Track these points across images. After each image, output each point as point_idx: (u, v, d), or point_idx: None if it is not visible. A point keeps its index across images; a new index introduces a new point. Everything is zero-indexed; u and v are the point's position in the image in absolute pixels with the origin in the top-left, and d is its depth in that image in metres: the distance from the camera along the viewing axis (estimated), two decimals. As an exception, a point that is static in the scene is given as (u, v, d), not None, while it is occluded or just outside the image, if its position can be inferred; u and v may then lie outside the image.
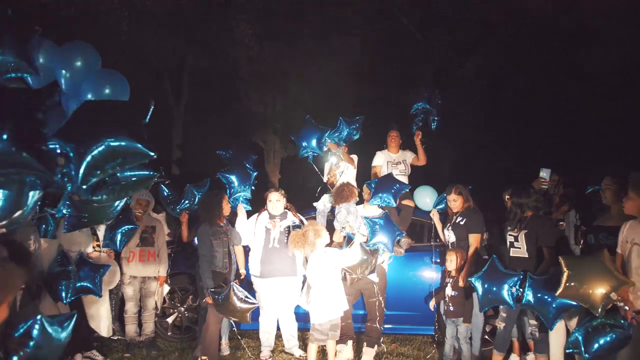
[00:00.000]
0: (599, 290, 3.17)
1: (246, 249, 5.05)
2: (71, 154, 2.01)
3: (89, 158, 1.92)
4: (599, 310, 3.20)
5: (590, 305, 3.23)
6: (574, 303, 3.32)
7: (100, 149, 1.94)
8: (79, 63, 2.99)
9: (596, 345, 3.27)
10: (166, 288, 5.41)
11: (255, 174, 5.13)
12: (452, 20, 13.96)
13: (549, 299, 3.50)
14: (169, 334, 5.49)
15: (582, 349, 3.32)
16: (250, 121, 14.16)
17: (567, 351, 3.67)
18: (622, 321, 3.23)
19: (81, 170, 1.94)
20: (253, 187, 5.11)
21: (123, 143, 1.99)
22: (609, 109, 12.15)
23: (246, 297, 4.31)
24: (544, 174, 4.79)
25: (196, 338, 5.13)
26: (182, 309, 5.57)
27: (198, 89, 13.12)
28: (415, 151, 6.04)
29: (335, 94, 14.72)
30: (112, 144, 1.96)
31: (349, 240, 4.58)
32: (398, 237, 4.73)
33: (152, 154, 2.13)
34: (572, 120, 12.49)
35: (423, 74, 14.63)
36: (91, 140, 1.95)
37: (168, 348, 5.22)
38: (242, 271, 4.96)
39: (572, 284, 3.20)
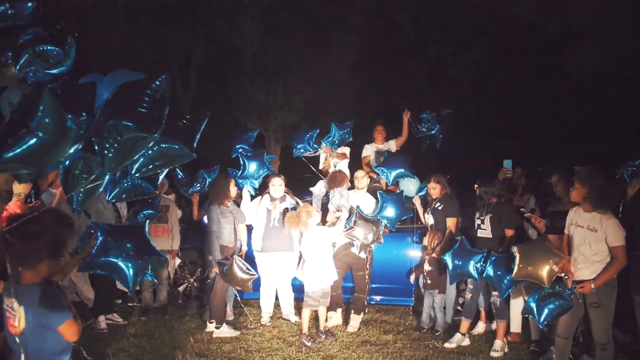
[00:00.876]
0: (545, 266, 3.74)
1: (249, 228, 5.66)
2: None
3: (142, 160, 2.45)
4: (546, 282, 3.80)
5: (539, 280, 3.81)
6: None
7: (153, 150, 2.46)
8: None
9: (546, 312, 3.87)
10: (177, 261, 6.02)
11: (271, 170, 5.75)
12: (444, 21, 14.49)
13: (504, 274, 4.11)
14: (179, 301, 6.08)
15: (536, 315, 3.92)
16: (253, 110, 14.71)
17: (525, 315, 4.29)
18: (567, 292, 3.82)
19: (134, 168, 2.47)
20: (259, 179, 5.74)
21: (175, 147, 2.50)
22: (585, 107, 12.75)
23: (247, 268, 4.90)
24: (506, 164, 5.41)
25: (203, 305, 5.75)
26: (192, 279, 6.17)
27: (205, 81, 13.63)
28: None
29: (333, 86, 15.26)
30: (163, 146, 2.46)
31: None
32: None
33: (194, 155, 2.66)
34: (548, 116, 13.12)
35: (416, 69, 15.17)
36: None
37: (178, 313, 5.83)
38: (244, 247, 5.56)
39: (523, 265, 3.80)
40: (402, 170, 5.82)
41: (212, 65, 13.78)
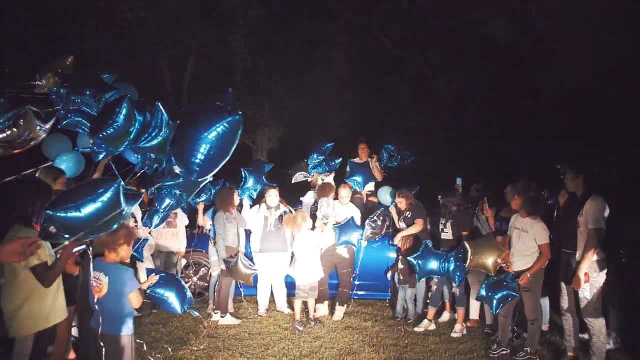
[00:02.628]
0: (490, 257, 4.88)
1: (247, 232, 6.69)
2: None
3: None
4: (492, 272, 4.92)
5: (486, 269, 4.95)
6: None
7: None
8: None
9: (496, 301, 4.98)
10: (184, 262, 7.03)
11: (266, 185, 6.78)
12: (425, 40, 15.78)
13: (459, 266, 5.23)
14: (185, 297, 7.09)
15: (490, 304, 5.02)
16: (243, 124, 15.72)
17: (478, 301, 5.42)
18: (513, 284, 4.93)
19: None
20: (257, 190, 6.79)
21: None
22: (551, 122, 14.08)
23: (250, 265, 5.95)
24: (458, 181, 6.61)
25: (207, 301, 6.76)
26: (195, 279, 7.18)
27: (196, 95, 14.65)
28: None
29: (319, 101, 16.41)
30: None
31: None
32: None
33: None
34: (523, 131, 14.46)
35: (398, 86, 16.42)
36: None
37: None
38: (241, 249, 6.53)
39: (474, 257, 4.93)
40: (366, 176, 7.03)
41: (203, 80, 14.81)
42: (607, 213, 4.37)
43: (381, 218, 6.59)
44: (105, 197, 2.55)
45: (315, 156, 7.17)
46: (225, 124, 2.97)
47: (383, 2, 16.28)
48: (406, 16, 16.14)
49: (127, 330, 3.43)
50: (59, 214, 2.44)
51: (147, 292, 3.88)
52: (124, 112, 3.20)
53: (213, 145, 2.96)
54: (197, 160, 2.97)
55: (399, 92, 16.34)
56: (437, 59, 15.87)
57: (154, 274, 3.97)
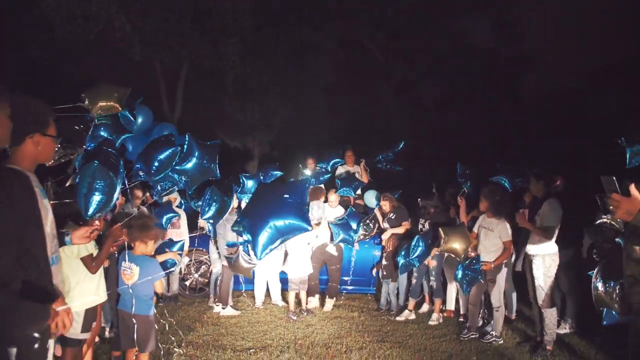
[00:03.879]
0: (461, 245, 5.71)
1: (245, 232, 7.44)
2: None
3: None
4: (462, 257, 5.75)
5: (456, 253, 5.77)
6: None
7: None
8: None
9: (466, 283, 5.80)
10: (186, 260, 7.75)
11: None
12: (410, 48, 16.68)
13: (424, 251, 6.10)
14: (186, 292, 7.82)
15: (461, 282, 5.83)
16: (233, 128, 16.48)
17: (454, 281, 6.27)
18: (477, 266, 5.75)
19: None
20: None
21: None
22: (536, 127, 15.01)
23: (249, 259, 6.70)
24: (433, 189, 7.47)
25: (207, 295, 7.50)
26: (197, 275, 7.92)
27: (189, 101, 15.35)
28: None
29: (307, 106, 17.20)
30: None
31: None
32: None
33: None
34: (504, 136, 15.37)
35: (384, 91, 17.30)
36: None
37: (188, 302, 7.54)
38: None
39: (447, 243, 5.75)
40: (353, 186, 7.86)
41: (195, 87, 15.53)
42: (560, 214, 5.21)
43: (373, 221, 7.41)
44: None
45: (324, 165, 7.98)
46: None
47: (369, 11, 17.15)
48: (391, 24, 17.02)
49: (152, 311, 4.18)
50: None
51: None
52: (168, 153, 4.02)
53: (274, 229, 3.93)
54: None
55: (383, 97, 17.19)
56: (422, 66, 16.75)
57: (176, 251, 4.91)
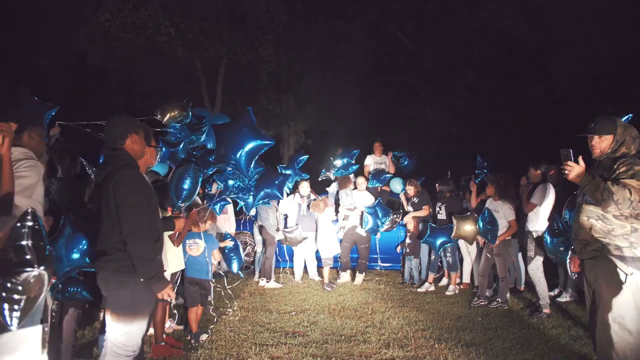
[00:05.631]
0: (471, 232, 6.81)
1: (284, 216, 8.70)
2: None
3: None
4: (471, 241, 6.86)
5: (467, 239, 6.89)
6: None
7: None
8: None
9: (437, 242, 7.01)
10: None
11: (299, 177, 8.73)
12: (439, 36, 17.48)
13: (442, 238, 7.21)
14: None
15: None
16: (268, 119, 17.75)
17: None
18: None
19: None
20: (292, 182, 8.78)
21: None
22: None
23: (301, 234, 8.00)
24: (449, 174, 8.47)
25: (253, 272, 8.84)
26: (243, 254, 9.25)
27: (227, 95, 16.72)
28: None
29: (339, 96, 18.28)
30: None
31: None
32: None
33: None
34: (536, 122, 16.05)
35: (414, 79, 18.18)
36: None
37: (236, 278, 8.89)
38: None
39: (458, 229, 6.85)
40: (384, 177, 8.99)
41: (233, 81, 16.86)
42: (550, 195, 6.23)
43: (398, 216, 8.52)
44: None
45: (345, 160, 9.05)
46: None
47: (399, 1, 18.00)
48: (420, 13, 17.84)
49: (210, 276, 5.49)
50: None
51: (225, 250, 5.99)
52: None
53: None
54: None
55: (415, 85, 18.07)
56: (451, 54, 17.52)
57: (229, 239, 6.09)
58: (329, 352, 4.90)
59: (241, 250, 6.42)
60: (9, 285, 2.06)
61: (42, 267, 2.16)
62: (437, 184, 8.06)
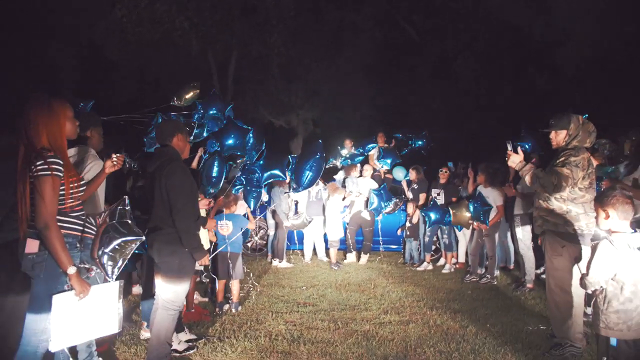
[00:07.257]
0: (465, 217, 7.72)
1: (295, 202, 9.64)
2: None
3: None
4: (467, 226, 7.78)
5: (461, 223, 7.81)
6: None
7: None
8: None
9: (432, 219, 7.89)
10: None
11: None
12: (445, 25, 18.18)
13: (437, 216, 8.13)
14: (249, 252, 10.17)
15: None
16: (278, 109, 18.61)
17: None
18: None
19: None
20: None
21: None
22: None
23: (307, 218, 8.93)
24: (450, 164, 9.32)
25: (266, 254, 9.83)
26: (256, 238, 10.25)
27: (238, 85, 17.60)
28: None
29: (348, 85, 19.05)
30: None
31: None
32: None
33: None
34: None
35: (420, 67, 18.92)
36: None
37: (249, 259, 9.88)
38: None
39: (455, 215, 7.77)
40: (393, 158, 9.82)
41: (243, 72, 17.71)
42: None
43: (401, 200, 9.44)
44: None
45: (360, 150, 9.94)
46: None
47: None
48: (427, 4, 18.52)
49: (241, 250, 6.46)
50: None
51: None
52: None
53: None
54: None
55: (420, 74, 18.80)
56: (457, 44, 18.23)
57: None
58: (335, 318, 5.86)
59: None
60: (110, 250, 3.03)
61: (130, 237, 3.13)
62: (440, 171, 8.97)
